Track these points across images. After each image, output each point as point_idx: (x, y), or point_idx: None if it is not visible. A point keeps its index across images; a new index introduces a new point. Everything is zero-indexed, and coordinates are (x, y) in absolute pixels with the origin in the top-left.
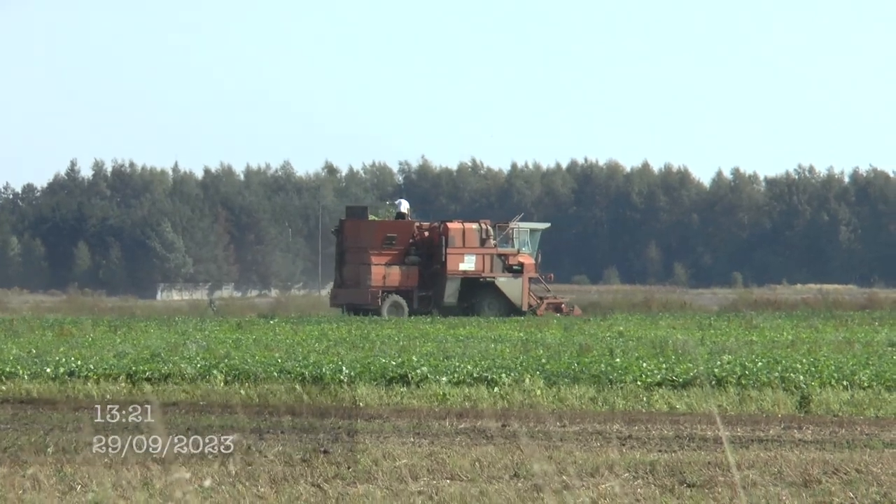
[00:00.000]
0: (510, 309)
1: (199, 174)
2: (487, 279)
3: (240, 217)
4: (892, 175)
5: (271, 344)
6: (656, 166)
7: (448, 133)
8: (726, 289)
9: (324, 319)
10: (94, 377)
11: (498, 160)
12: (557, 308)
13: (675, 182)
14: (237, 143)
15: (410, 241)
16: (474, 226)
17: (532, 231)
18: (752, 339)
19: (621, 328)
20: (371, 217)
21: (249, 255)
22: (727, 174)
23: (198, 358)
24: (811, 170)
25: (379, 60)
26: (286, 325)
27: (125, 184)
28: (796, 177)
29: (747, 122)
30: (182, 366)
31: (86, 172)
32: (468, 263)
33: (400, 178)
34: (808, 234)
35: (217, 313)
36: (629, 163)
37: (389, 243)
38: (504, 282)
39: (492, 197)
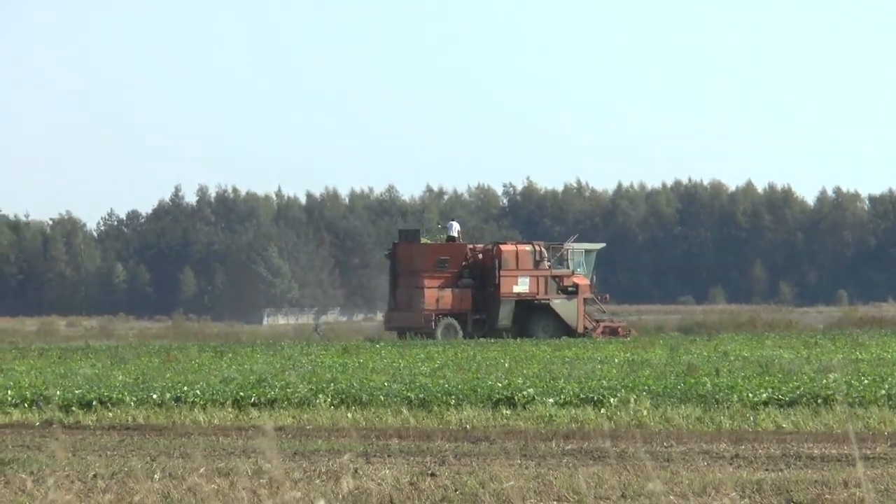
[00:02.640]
0: (565, 331)
1: (303, 199)
2: (542, 301)
3: (344, 241)
4: None
5: (377, 367)
6: (760, 185)
7: (553, 154)
8: (832, 307)
9: (429, 342)
10: (201, 403)
11: (603, 181)
12: (614, 331)
13: (779, 201)
14: (340, 167)
15: (464, 263)
16: (528, 247)
17: (587, 252)
18: (858, 356)
19: (727, 348)
20: (424, 240)
21: (355, 280)
22: (830, 192)
23: (301, 383)
24: None
25: (484, 82)
26: (392, 348)
27: (229, 209)
28: None
29: (850, 140)
30: (288, 391)
31: (190, 198)
32: (522, 285)
33: (504, 201)
34: None
35: (322, 338)
36: (733, 182)
37: (442, 266)
38: (559, 304)
39: (596, 218)
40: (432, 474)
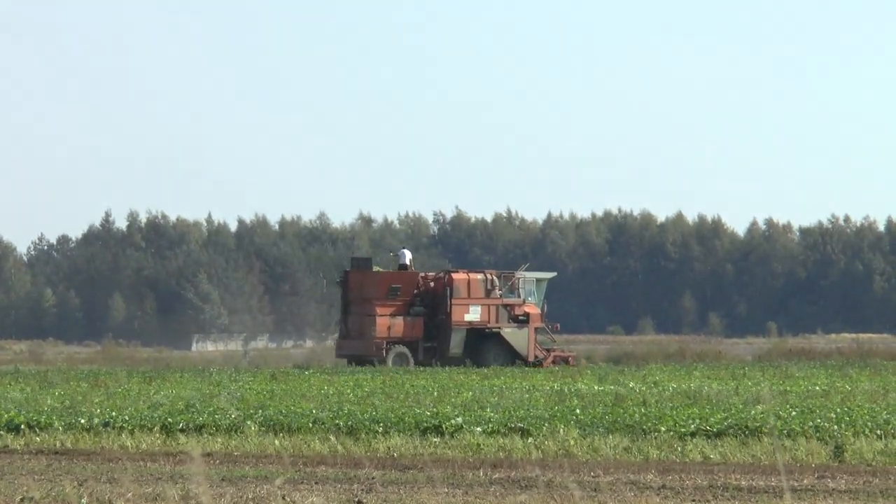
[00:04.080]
0: (516, 359)
1: (233, 225)
2: (493, 330)
3: (274, 268)
4: None
5: (306, 394)
6: (690, 216)
7: (483, 184)
8: (761, 338)
9: (358, 370)
10: (129, 428)
11: (533, 210)
12: (565, 360)
13: (709, 232)
14: (271, 194)
15: (415, 291)
16: (479, 276)
17: (538, 280)
18: (786, 388)
19: (655, 378)
20: (375, 268)
21: (284, 307)
22: (761, 224)
23: (232, 409)
24: (846, 219)
25: (414, 110)
26: (321, 375)
27: (160, 235)
28: (830, 226)
29: (780, 172)
30: (216, 416)
31: (120, 223)
32: (473, 314)
33: (434, 229)
34: (843, 284)
35: (251, 364)
36: (663, 213)
37: (394, 294)
38: (510, 332)
39: (526, 247)
40: (359, 502)
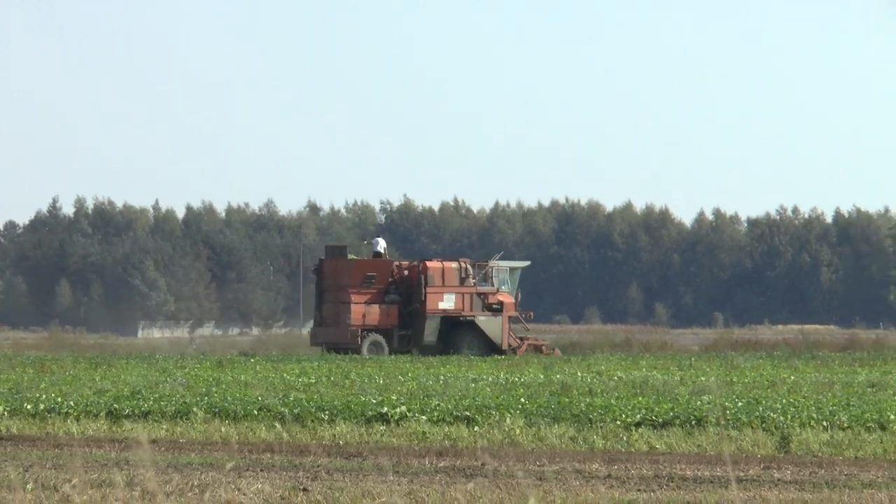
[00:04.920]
0: (490, 348)
1: (181, 212)
2: (467, 318)
3: (221, 255)
4: (874, 216)
5: (252, 382)
6: (638, 206)
7: (430, 172)
8: (707, 329)
9: (304, 358)
10: (74, 414)
11: (480, 200)
12: (538, 349)
13: (657, 222)
14: (219, 181)
15: (390, 279)
16: (454, 264)
17: (511, 269)
18: (732, 379)
19: (602, 368)
20: (350, 256)
21: (231, 294)
22: (709, 214)
23: (177, 396)
24: (795, 210)
25: (363, 98)
26: (267, 363)
27: (107, 221)
28: (777, 217)
29: (729, 162)
30: (161, 403)
31: (67, 210)
32: (448, 302)
33: (381, 218)
34: (790, 275)
35: (197, 351)
36: (611, 203)
37: (369, 282)
38: (484, 321)
39: (473, 236)
40: (304, 489)
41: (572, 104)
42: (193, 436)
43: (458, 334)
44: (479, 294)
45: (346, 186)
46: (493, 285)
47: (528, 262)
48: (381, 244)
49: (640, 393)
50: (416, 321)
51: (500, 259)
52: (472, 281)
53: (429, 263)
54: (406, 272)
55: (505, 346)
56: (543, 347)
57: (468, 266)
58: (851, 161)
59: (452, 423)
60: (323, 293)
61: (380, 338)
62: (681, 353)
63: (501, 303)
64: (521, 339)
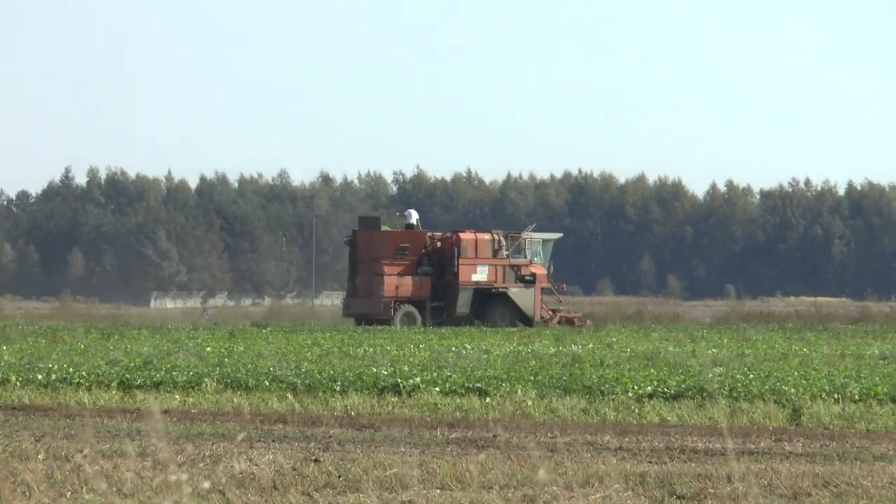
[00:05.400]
0: (522, 320)
1: (194, 182)
2: (500, 290)
3: (234, 226)
4: (886, 188)
5: (264, 353)
6: (651, 178)
7: (444, 143)
8: (719, 301)
9: (317, 329)
10: (86, 384)
11: (493, 171)
12: (570, 321)
13: (670, 194)
14: (233, 151)
15: (423, 251)
16: (486, 236)
17: (544, 241)
18: (744, 351)
19: (613, 340)
20: (384, 228)
21: (243, 264)
22: (721, 186)
23: (189, 366)
24: (807, 182)
25: (376, 69)
26: (279, 333)
27: (119, 191)
28: (790, 189)
29: (742, 134)
30: (174, 374)
31: (80, 180)
32: (480, 274)
33: (394, 188)
34: (802, 247)
35: (210, 322)
36: (623, 175)
37: (402, 254)
38: (516, 292)
39: (485, 208)
40: (316, 460)
41: (586, 75)
42: (205, 406)
43: (490, 306)
44: (511, 266)
45: (359, 157)
46: (525, 257)
47: (560, 234)
48: (415, 216)
49: (652, 365)
50: (449, 293)
51: (533, 231)
52: (504, 253)
53: (462, 235)
54: (439, 244)
55: (537, 318)
56: (576, 319)
57: (501, 238)
58: (864, 133)
59: (464, 394)
60: (356, 264)
61: (412, 309)
62: (693, 326)
63: (534, 275)
64: (554, 311)
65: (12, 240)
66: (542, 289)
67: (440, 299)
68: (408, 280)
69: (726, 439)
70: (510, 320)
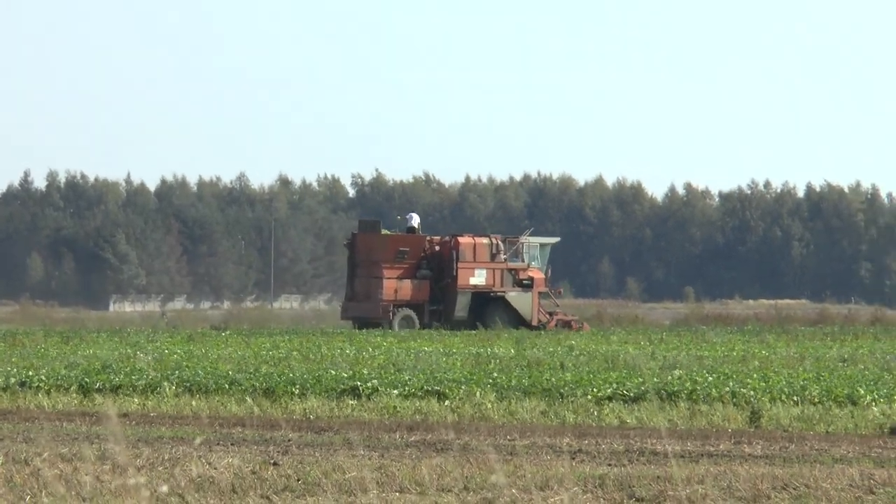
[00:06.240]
0: (520, 323)
1: (153, 186)
2: (498, 294)
3: (193, 229)
4: (846, 190)
5: (223, 356)
6: (610, 181)
7: (403, 146)
8: (678, 303)
9: (276, 332)
10: (45, 388)
11: (451, 174)
12: (567, 324)
13: (629, 196)
14: (192, 155)
15: (422, 255)
16: (485, 240)
17: (542, 245)
18: (703, 353)
19: (573, 342)
20: (383, 231)
21: (202, 268)
22: (680, 189)
23: (149, 370)
24: (767, 184)
25: (334, 72)
26: (238, 337)
27: (79, 195)
28: (749, 192)
29: (701, 137)
30: (133, 377)
31: (39, 183)
32: (479, 278)
33: (352, 192)
34: (761, 250)
35: (169, 325)
36: (583, 177)
37: (401, 257)
38: (514, 296)
39: (445, 210)
40: (275, 463)
41: (544, 78)
42: (164, 410)
43: (488, 310)
44: (509, 270)
45: (318, 160)
46: (523, 261)
47: (558, 238)
48: (416, 219)
49: (612, 367)
50: (448, 296)
51: (530, 235)
52: (502, 257)
53: (460, 239)
54: (438, 247)
55: (535, 322)
56: (573, 322)
57: (499, 242)
58: (823, 135)
59: (423, 397)
60: (355, 268)
61: (411, 313)
62: (652, 328)
63: (532, 278)
64: (551, 314)
65: None
66: (540, 292)
67: (439, 303)
68: (407, 283)
69: (687, 441)
70: (508, 324)
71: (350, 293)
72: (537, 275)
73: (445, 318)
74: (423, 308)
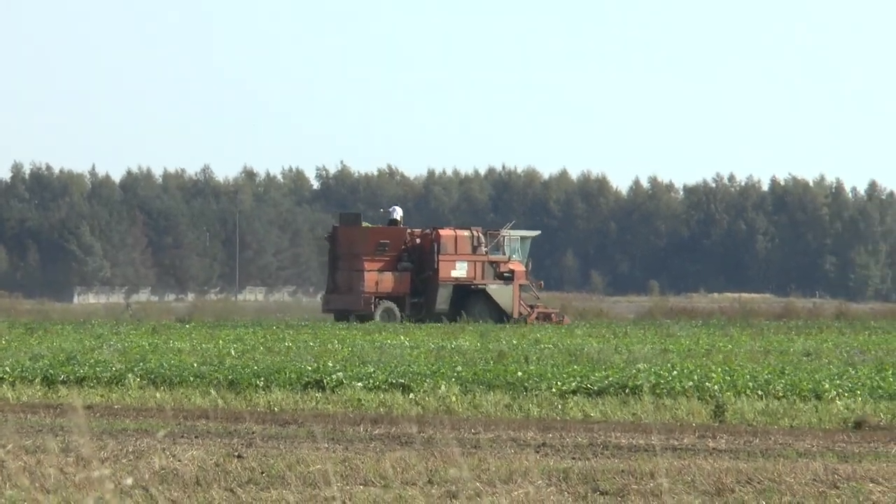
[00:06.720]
0: (501, 316)
1: (118, 177)
2: (479, 286)
3: (157, 221)
4: (810, 184)
5: (187, 348)
6: (574, 174)
7: (368, 138)
8: (643, 297)
9: (240, 324)
10: (9, 379)
11: (416, 167)
12: (547, 317)
13: (593, 190)
14: (156, 146)
15: (403, 247)
16: (466, 233)
17: (522, 238)
18: (667, 347)
19: (537, 336)
20: (364, 224)
21: (167, 259)
22: (645, 182)
23: (113, 361)
24: (731, 178)
25: (299, 65)
26: (202, 329)
27: (43, 186)
28: (714, 185)
29: (666, 130)
30: (97, 369)
31: (4, 174)
32: (460, 270)
33: (317, 184)
34: (726, 243)
35: (133, 317)
36: (547, 170)
37: (382, 250)
38: (495, 289)
39: (409, 203)
40: (239, 456)
41: (509, 71)
42: (129, 402)
43: (469, 302)
44: (490, 262)
45: (283, 153)
46: (504, 254)
47: (538, 232)
48: (398, 212)
49: (576, 361)
50: (429, 289)
51: (511, 228)
52: (483, 249)
53: (441, 232)
54: (419, 240)
55: (515, 315)
56: (553, 315)
57: (480, 235)
58: (788, 129)
59: (388, 390)
60: (336, 260)
61: (392, 305)
62: (616, 321)
63: (512, 271)
64: (532, 307)
65: None
66: (521, 285)
67: (420, 295)
68: (388, 276)
69: (651, 435)
70: (489, 316)
71: (331, 286)
72: (518, 267)
73: (427, 310)
74: (405, 300)
